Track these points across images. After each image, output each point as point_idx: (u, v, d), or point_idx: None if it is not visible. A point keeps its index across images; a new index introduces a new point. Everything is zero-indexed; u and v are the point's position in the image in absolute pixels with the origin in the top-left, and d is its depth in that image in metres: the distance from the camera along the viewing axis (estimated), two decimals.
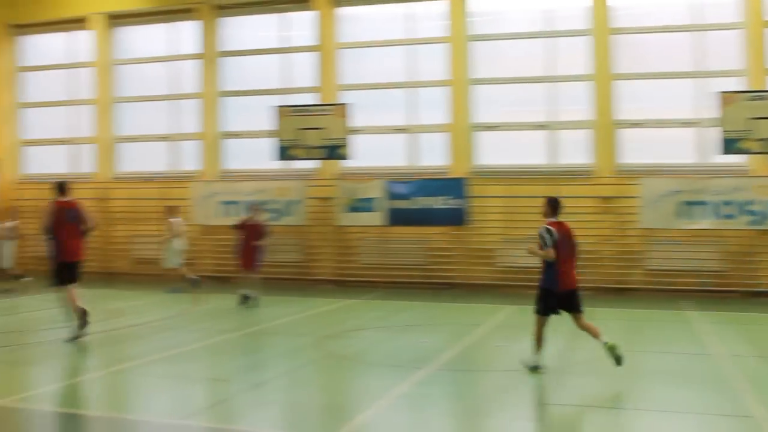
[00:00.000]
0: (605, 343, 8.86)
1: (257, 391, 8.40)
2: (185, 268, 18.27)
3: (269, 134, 19.49)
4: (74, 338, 11.14)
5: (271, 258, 19.91)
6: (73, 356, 10.59)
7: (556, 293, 8.98)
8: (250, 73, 21.26)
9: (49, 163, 23.30)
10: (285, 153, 19.25)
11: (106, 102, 22.33)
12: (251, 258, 15.68)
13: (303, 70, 20.50)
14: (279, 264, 19.90)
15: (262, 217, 16.52)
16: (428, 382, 8.83)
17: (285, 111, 19.24)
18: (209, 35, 21.16)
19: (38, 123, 23.76)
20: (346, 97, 19.77)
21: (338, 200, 19.19)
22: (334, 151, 18.91)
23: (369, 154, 19.48)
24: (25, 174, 23.62)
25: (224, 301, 15.70)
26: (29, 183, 23.18)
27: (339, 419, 7.33)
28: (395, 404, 7.87)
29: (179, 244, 18.28)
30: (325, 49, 19.99)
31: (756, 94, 16.44)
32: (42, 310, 15.31)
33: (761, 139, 16.14)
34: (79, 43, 22.99)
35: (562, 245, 9.01)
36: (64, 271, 11.40)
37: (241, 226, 15.82)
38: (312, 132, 18.88)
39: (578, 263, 9.35)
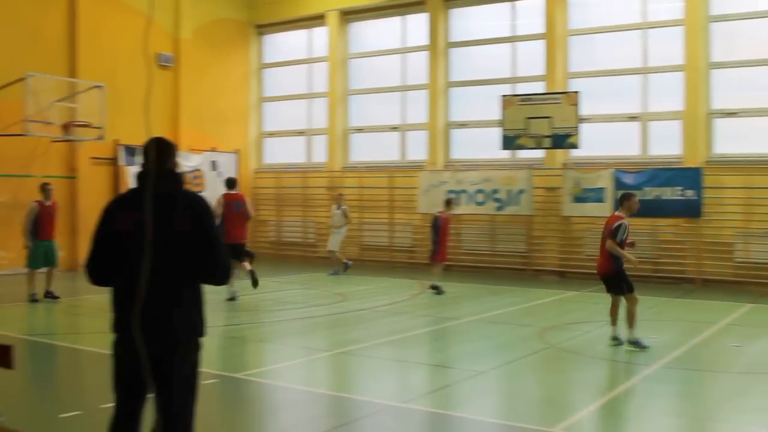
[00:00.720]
0: None
1: (478, 380, 8.47)
2: (341, 252, 19.62)
3: (496, 124, 19.51)
4: (232, 298, 13.96)
5: (495, 248, 20.06)
6: (302, 337, 11.24)
7: None
8: (477, 62, 21.37)
9: (286, 153, 24.82)
10: (511, 142, 19.19)
11: (340, 94, 23.34)
12: (445, 250, 15.89)
13: (530, 59, 20.31)
14: (502, 254, 19.96)
15: (454, 210, 16.63)
16: (654, 380, 8.50)
17: (512, 100, 19.17)
18: (439, 27, 21.48)
19: (276, 116, 25.33)
20: (574, 85, 19.38)
21: (565, 190, 18.87)
22: (563, 141, 18.59)
23: (597, 142, 18.96)
24: (265, 164, 25.28)
25: (452, 290, 15.93)
26: (267, 172, 24.81)
27: (560, 413, 7.25)
28: (618, 401, 7.67)
29: (344, 230, 19.61)
30: (553, 36, 19.64)
31: None
32: (280, 291, 16.37)
33: None
34: (315, 40, 24.23)
35: None
36: (231, 252, 12.82)
37: (439, 221, 15.87)
38: (540, 121, 18.67)
39: None
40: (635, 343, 9.90)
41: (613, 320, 10.31)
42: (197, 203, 4.20)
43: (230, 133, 24.10)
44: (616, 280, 10.17)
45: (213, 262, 4.13)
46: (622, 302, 10.27)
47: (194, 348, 4.17)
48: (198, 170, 22.40)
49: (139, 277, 3.82)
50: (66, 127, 18.19)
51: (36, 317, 12.81)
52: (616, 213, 10.38)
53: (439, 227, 15.71)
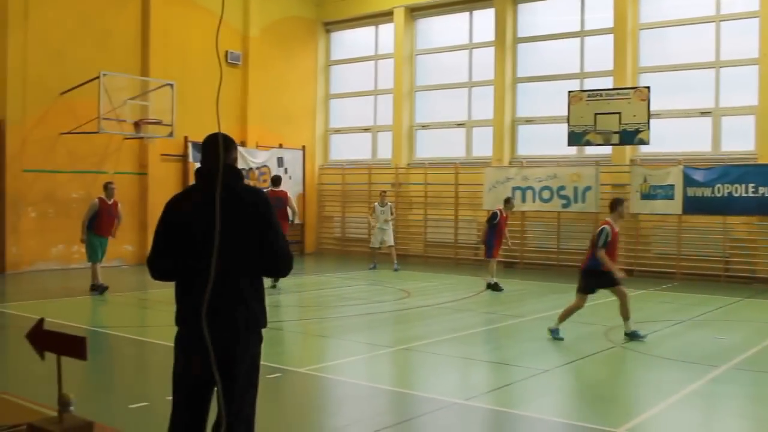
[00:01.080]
0: None
1: (541, 378, 8.40)
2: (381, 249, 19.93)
3: (563, 120, 19.29)
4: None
5: (560, 245, 19.84)
6: (365, 332, 11.32)
7: None
8: (544, 58, 21.16)
9: (352, 149, 24.99)
10: (579, 138, 18.96)
11: (406, 91, 23.37)
12: (498, 247, 15.93)
13: (599, 54, 20.02)
14: (567, 252, 19.73)
15: (512, 210, 16.67)
16: (723, 381, 8.33)
17: (580, 96, 18.94)
18: (506, 22, 21.32)
19: (342, 112, 25.50)
20: (644, 80, 19.04)
21: (632, 187, 18.56)
22: (632, 137, 18.28)
23: (666, 138, 18.61)
24: (331, 160, 25.48)
25: (516, 287, 15.84)
26: (332, 168, 25.00)
27: (625, 413, 7.15)
28: (686, 402, 7.51)
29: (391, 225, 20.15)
30: (623, 30, 19.32)
31: None
32: (344, 287, 16.50)
33: None
34: (382, 36, 24.32)
35: None
36: None
37: (498, 221, 15.79)
38: (608, 117, 18.39)
39: None
40: (553, 332, 10.51)
41: (624, 316, 10.53)
42: (258, 197, 4.26)
43: (297, 129, 24.35)
44: (586, 277, 10.64)
45: (275, 255, 4.18)
46: (628, 299, 10.58)
47: (256, 340, 4.23)
48: (265, 167, 22.72)
49: (204, 271, 3.85)
50: (137, 125, 18.65)
51: (106, 310, 13.17)
52: (606, 218, 10.76)
53: (497, 224, 15.64)
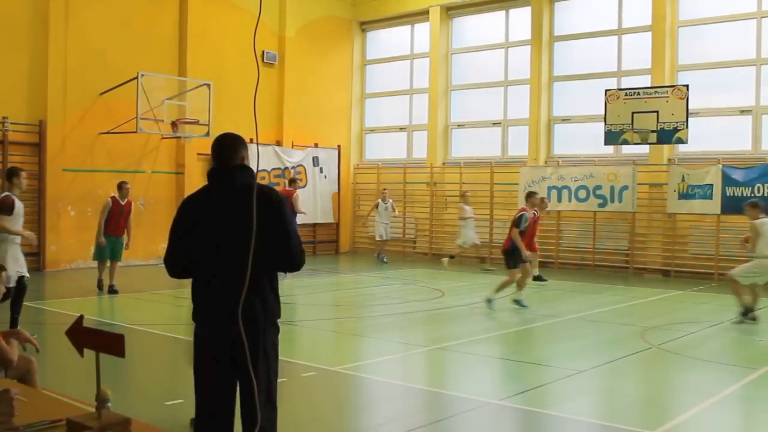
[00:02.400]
0: None
1: (576, 379, 8.35)
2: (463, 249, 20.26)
3: (600, 119, 19.12)
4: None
5: (596, 245, 19.69)
6: (399, 332, 11.33)
7: None
8: (581, 56, 21.00)
9: (387, 149, 25.01)
10: (616, 137, 18.79)
11: (441, 90, 23.33)
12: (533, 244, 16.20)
13: (636, 52, 19.83)
14: (603, 251, 19.59)
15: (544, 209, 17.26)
16: (762, 385, 8.21)
17: (617, 94, 18.77)
18: (543, 20, 21.18)
19: (378, 112, 25.53)
20: (683, 78, 18.82)
21: (670, 186, 18.35)
22: (670, 136, 18.07)
23: (705, 137, 18.37)
24: (366, 159, 25.51)
25: (551, 287, 15.75)
26: (368, 167, 25.05)
27: (661, 415, 7.07)
28: (723, 405, 7.42)
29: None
30: (661, 28, 19.10)
31: None
32: (379, 286, 16.53)
33: None
34: (417, 35, 24.30)
35: None
36: None
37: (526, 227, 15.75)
38: (646, 115, 18.20)
39: None
40: (489, 302, 12.90)
41: (520, 287, 13.09)
42: (272, 195, 4.36)
43: (332, 129, 24.42)
44: (509, 256, 12.94)
45: (289, 251, 4.29)
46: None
47: (274, 330, 4.37)
48: (300, 166, 22.83)
49: (221, 268, 4.13)
50: (175, 125, 18.84)
51: (143, 307, 13.31)
52: (523, 207, 13.67)
53: (524, 231, 15.62)
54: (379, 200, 21.52)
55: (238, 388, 4.30)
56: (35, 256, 17.69)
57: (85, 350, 3.40)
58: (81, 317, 3.47)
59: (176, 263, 4.37)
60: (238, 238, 4.04)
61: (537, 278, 16.23)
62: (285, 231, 4.27)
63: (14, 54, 17.25)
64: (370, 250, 23.91)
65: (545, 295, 15.12)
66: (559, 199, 19.78)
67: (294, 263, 4.34)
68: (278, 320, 4.41)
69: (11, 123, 17.11)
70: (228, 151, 4.31)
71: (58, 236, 17.70)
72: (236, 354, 4.05)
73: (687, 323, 11.96)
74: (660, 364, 9.46)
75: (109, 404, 3.33)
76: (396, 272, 18.93)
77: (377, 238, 21.60)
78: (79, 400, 6.22)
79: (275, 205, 4.29)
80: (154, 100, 18.24)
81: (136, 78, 17.57)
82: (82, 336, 3.37)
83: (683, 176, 18.11)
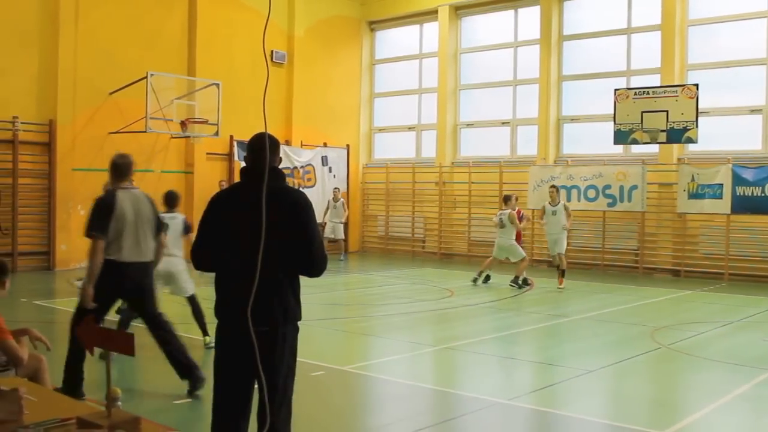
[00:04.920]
0: None
1: (586, 379, 8.33)
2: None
3: (609, 118, 19.07)
4: None
5: (606, 245, 19.64)
6: (408, 331, 11.31)
7: None
8: (590, 55, 20.94)
9: (396, 148, 25.00)
10: (625, 137, 18.73)
11: (450, 89, 23.31)
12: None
13: (646, 51, 19.76)
14: (613, 251, 19.54)
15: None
16: None
17: (626, 94, 18.72)
18: (552, 19, 21.14)
19: (387, 111, 25.52)
20: (692, 77, 18.76)
21: (680, 186, 18.29)
22: (680, 135, 18.00)
23: (715, 137, 18.29)
24: (375, 159, 25.51)
25: (553, 287, 15.73)
26: (377, 167, 25.04)
27: (670, 416, 7.06)
28: (733, 405, 7.39)
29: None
30: (671, 27, 19.03)
31: None
32: (388, 285, 16.52)
33: None
34: (426, 35, 24.28)
35: None
36: None
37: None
38: (655, 115, 18.14)
39: None
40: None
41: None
42: (299, 199, 4.39)
43: (341, 128, 24.43)
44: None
45: (311, 256, 4.31)
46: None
47: (292, 330, 4.38)
48: (309, 165, 22.84)
49: (243, 265, 4.11)
50: (184, 124, 18.88)
51: None
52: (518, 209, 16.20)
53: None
54: (330, 199, 22.01)
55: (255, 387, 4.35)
56: (45, 256, 17.78)
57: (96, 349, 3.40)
58: (91, 316, 3.48)
59: (203, 255, 4.43)
60: (259, 239, 4.07)
61: (524, 282, 15.93)
62: (309, 236, 4.30)
63: (24, 54, 17.31)
64: (379, 249, 23.91)
65: (554, 295, 15.10)
66: (569, 199, 19.69)
67: (314, 269, 4.34)
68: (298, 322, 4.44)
69: (21, 123, 17.19)
70: (261, 151, 4.31)
71: (68, 235, 17.73)
72: (254, 353, 4.08)
73: (697, 323, 11.92)
74: (670, 364, 9.42)
75: (119, 403, 3.34)
76: (405, 272, 18.93)
77: (326, 239, 21.14)
78: (89, 398, 6.23)
79: (301, 210, 4.32)
80: (164, 100, 18.28)
81: (146, 77, 17.61)
82: (92, 335, 3.38)
83: (693, 176, 18.05)
